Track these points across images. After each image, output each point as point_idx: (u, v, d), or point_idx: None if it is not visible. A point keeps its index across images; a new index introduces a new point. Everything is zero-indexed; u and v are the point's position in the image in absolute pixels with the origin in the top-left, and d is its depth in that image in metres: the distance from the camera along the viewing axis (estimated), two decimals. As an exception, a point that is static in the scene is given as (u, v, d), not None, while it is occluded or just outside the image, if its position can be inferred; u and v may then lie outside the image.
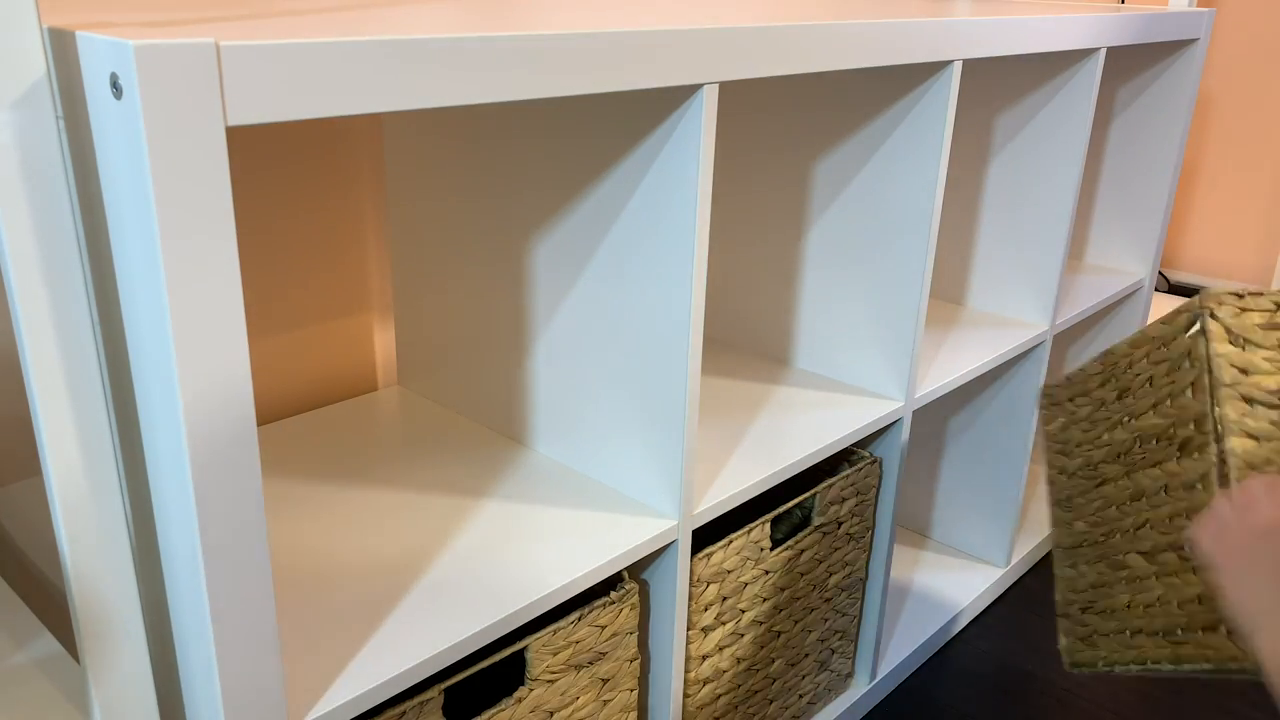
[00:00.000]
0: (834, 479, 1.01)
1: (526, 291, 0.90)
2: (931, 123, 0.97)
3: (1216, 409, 0.62)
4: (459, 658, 0.68)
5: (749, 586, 0.94)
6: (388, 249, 1.09)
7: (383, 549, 0.78)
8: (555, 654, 0.76)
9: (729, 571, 0.91)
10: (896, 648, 1.25)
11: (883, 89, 1.00)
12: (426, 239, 0.98)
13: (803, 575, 1.02)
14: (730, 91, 1.12)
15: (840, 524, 1.04)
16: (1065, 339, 1.65)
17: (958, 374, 1.14)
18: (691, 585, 0.87)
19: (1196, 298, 0.64)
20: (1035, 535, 1.52)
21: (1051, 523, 0.83)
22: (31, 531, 0.78)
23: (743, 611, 0.95)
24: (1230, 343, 0.62)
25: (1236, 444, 0.60)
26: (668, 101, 0.73)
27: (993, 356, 1.19)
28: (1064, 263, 1.28)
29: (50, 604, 0.73)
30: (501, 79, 0.58)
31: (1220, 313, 0.63)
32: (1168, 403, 0.67)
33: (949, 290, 1.40)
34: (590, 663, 0.80)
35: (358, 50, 0.51)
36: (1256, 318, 0.63)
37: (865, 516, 1.08)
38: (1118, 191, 1.54)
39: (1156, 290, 2.73)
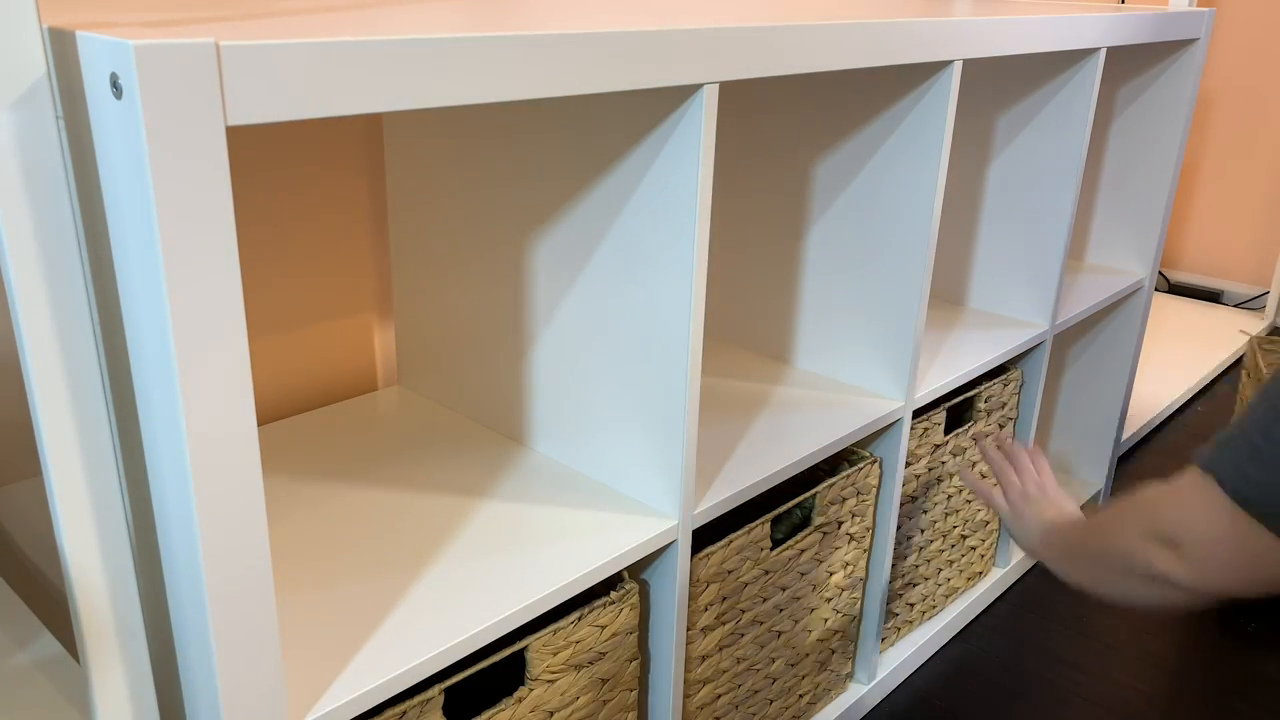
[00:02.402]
0: (834, 479, 1.01)
1: (527, 291, 0.90)
2: (931, 123, 0.97)
3: None
4: (459, 658, 0.68)
5: (749, 586, 0.94)
6: (388, 249, 1.09)
7: (383, 549, 0.78)
8: (555, 654, 0.76)
9: (729, 571, 0.91)
10: (896, 647, 1.25)
11: (883, 89, 1.00)
12: (426, 239, 0.98)
13: (803, 575, 1.02)
14: (730, 91, 1.12)
15: (840, 524, 1.04)
16: (1065, 339, 1.65)
17: (958, 374, 1.14)
18: (691, 585, 0.87)
19: None
20: (1035, 535, 1.52)
21: None
22: (31, 531, 0.78)
23: (743, 611, 0.95)
24: None
25: None
26: (668, 101, 0.73)
27: (993, 356, 1.19)
28: (1064, 263, 1.28)
29: (50, 604, 0.73)
30: (501, 79, 0.58)
31: None
32: None
33: (949, 290, 1.40)
34: (590, 663, 0.80)
35: (358, 50, 0.51)
36: None
37: (865, 516, 1.08)
38: (1118, 191, 1.54)
39: (1156, 290, 2.73)
